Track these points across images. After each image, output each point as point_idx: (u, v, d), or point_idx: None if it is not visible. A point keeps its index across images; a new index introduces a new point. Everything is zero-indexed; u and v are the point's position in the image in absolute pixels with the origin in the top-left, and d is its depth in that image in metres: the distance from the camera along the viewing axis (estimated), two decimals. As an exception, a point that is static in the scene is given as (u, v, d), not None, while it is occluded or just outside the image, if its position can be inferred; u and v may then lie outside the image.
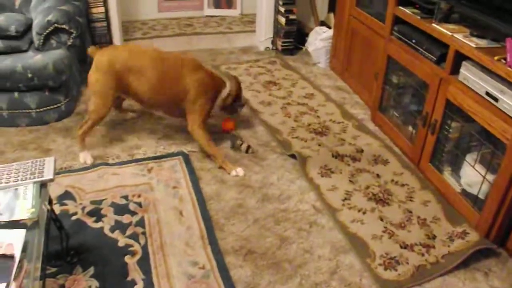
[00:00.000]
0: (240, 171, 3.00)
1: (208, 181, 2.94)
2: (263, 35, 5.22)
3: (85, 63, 4.07)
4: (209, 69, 3.21)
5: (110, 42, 4.71)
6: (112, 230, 2.52)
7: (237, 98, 3.34)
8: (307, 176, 2.96)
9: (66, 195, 2.77)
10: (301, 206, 2.73)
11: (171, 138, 3.41)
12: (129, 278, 2.22)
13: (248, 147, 3.24)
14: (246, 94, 4.08)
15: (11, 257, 1.56)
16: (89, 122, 3.13)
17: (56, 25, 3.55)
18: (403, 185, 2.92)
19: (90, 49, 3.12)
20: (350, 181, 2.93)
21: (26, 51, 3.59)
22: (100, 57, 3.03)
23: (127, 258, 2.33)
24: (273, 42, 5.22)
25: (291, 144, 3.32)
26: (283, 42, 5.03)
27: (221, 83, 3.24)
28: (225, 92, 3.24)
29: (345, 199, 2.77)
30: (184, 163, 3.11)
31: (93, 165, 3.07)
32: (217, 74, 3.28)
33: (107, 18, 4.59)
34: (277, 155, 3.22)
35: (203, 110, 3.11)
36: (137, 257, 2.34)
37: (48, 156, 3.09)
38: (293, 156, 3.18)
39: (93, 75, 3.04)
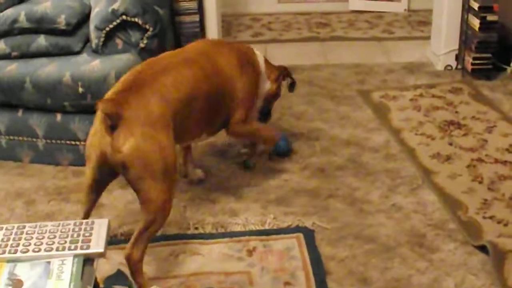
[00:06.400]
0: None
1: (342, 279, 2.91)
2: (442, 45, 5.22)
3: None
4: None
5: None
6: None
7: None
8: (506, 285, 2.85)
9: (118, 278, 2.85)
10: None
11: (287, 203, 3.44)
12: None
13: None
14: (413, 139, 4.07)
15: None
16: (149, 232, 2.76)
17: (124, 17, 3.73)
18: None
19: None
20: None
21: (78, 53, 3.81)
22: None
23: None
24: (459, 58, 5.19)
25: (482, 228, 3.25)
26: (475, 59, 4.97)
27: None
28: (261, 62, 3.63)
29: None
30: (305, 245, 3.13)
31: (164, 236, 3.14)
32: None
33: (200, 9, 4.80)
34: (457, 245, 3.15)
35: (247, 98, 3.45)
36: None
37: (98, 216, 3.20)
38: (483, 248, 3.11)
39: None
